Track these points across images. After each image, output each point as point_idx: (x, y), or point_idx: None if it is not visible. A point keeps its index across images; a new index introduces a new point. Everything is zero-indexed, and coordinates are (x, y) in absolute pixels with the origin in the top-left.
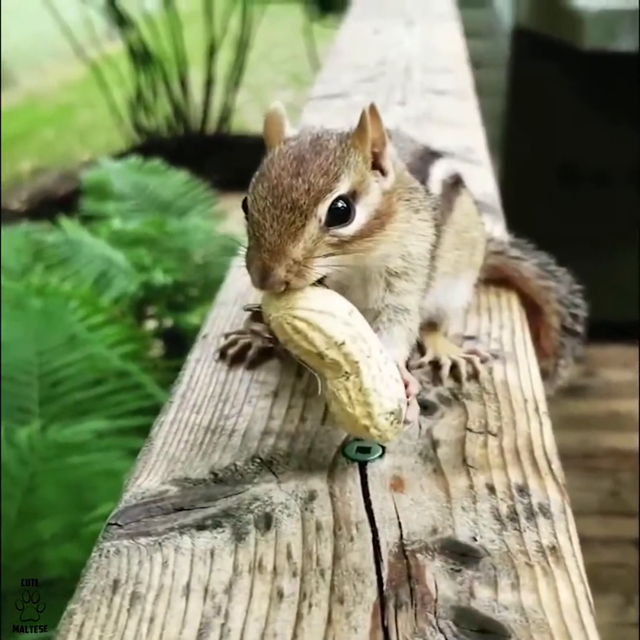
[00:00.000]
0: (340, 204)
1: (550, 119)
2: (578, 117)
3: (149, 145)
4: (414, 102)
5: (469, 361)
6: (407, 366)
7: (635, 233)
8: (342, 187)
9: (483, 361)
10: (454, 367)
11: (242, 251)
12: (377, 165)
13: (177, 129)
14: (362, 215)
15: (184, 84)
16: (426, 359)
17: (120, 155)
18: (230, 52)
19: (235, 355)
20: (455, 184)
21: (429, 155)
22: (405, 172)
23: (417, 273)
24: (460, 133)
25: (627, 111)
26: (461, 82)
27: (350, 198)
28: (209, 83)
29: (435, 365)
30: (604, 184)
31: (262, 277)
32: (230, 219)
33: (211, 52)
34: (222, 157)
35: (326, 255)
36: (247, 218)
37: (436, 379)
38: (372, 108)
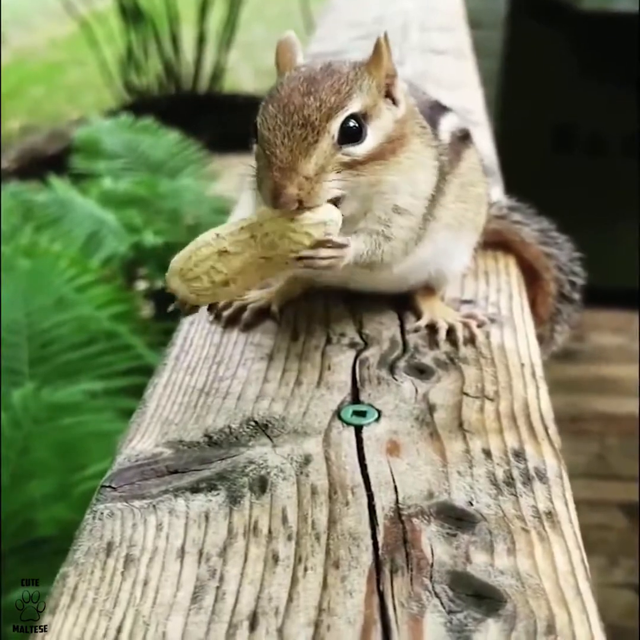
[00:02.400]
0: (352, 123)
1: (547, 81)
2: (575, 79)
3: (140, 104)
4: (411, 61)
5: (466, 325)
6: (403, 330)
7: (629, 198)
8: (354, 106)
9: (480, 325)
10: (451, 331)
11: (252, 174)
12: (389, 95)
13: (168, 88)
14: (373, 137)
15: (175, 41)
16: (422, 322)
17: (111, 114)
18: (223, 9)
19: (229, 317)
20: (463, 137)
21: (440, 107)
22: (416, 109)
23: (419, 212)
24: (459, 93)
25: (625, 73)
26: (459, 41)
27: (362, 118)
28: (201, 41)
29: (432, 329)
30: (600, 147)
31: (273, 196)
32: (222, 180)
33: (203, 8)
34: (214, 117)
35: (339, 174)
36: (256, 140)
37: (433, 343)
38: (386, 38)
